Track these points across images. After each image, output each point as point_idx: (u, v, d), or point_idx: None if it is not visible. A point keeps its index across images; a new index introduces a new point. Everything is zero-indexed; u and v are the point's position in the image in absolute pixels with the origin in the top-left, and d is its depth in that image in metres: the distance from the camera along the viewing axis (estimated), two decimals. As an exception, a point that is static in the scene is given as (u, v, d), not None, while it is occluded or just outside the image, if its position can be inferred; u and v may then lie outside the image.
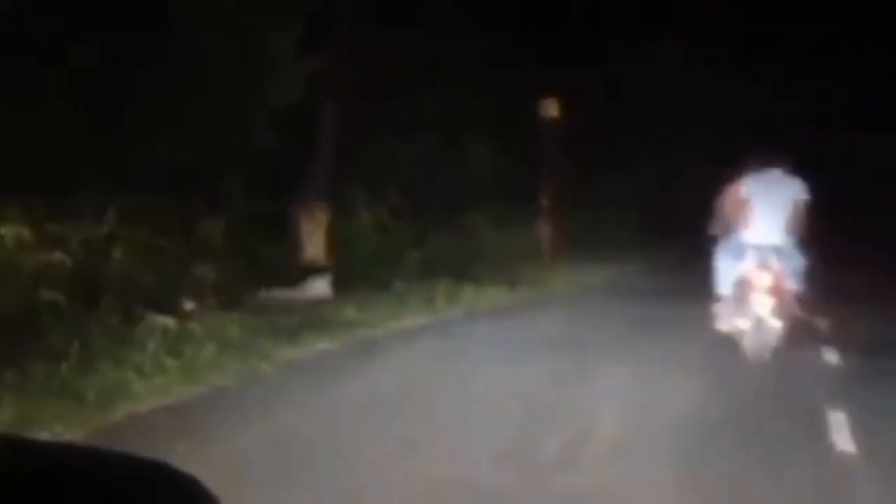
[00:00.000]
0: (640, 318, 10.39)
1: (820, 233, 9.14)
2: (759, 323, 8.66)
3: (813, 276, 9.52)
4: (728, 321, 8.94)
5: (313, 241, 11.34)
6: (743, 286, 8.83)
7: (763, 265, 8.72)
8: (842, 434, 5.97)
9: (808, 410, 6.66)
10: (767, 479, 5.04)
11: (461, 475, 4.82)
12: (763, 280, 8.69)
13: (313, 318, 8.75)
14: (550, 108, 15.81)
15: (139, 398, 5.98)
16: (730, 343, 8.98)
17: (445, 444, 5.37)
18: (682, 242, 12.30)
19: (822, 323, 10.25)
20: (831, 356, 8.74)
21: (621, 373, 7.53)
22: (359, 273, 10.63)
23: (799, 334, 9.41)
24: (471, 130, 14.38)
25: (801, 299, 9.16)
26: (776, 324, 8.66)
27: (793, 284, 8.87)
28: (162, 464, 0.97)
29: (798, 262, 8.90)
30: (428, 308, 10.29)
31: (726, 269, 9.05)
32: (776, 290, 8.70)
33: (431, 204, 13.18)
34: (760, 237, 8.83)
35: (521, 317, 10.40)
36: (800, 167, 9.24)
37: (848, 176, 21.30)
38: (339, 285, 10.35)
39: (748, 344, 8.68)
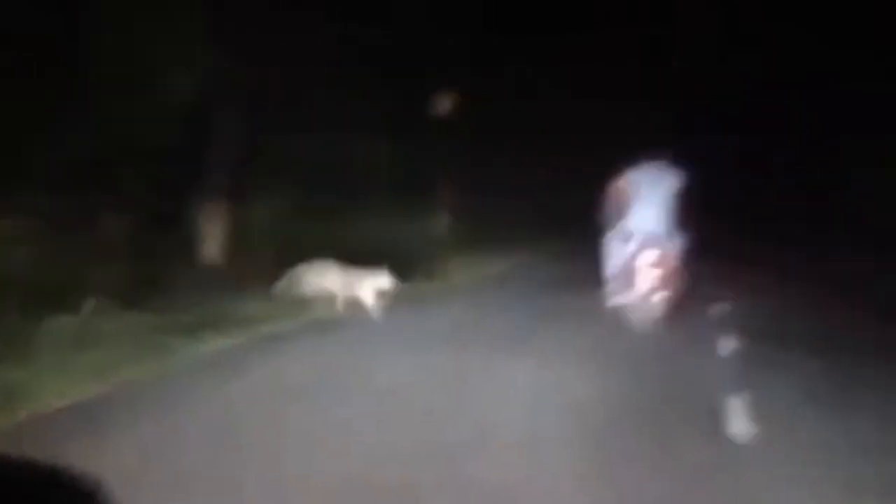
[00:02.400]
0: (539, 307, 10.81)
1: (698, 220, 9.98)
2: (645, 299, 9.78)
3: (699, 263, 10.26)
4: (618, 299, 10.05)
5: (213, 240, 11.39)
6: (629, 267, 9.90)
7: (647, 248, 9.79)
8: (740, 423, 6.07)
9: (706, 397, 6.75)
10: (665, 468, 5.10)
11: (363, 470, 4.84)
12: (647, 261, 9.79)
13: (217, 315, 8.75)
14: (448, 103, 16.03)
15: (41, 399, 5.91)
16: (626, 330, 9.63)
17: (347, 439, 5.36)
18: (578, 232, 12.67)
19: (718, 309, 10.82)
20: (728, 343, 8.87)
21: (521, 363, 7.65)
22: (261, 270, 10.64)
23: (693, 320, 10.05)
24: (372, 126, 14.49)
25: (687, 280, 10.03)
26: (662, 299, 9.76)
27: (676, 266, 9.89)
28: (60, 468, 1.00)
29: (679, 245, 9.93)
30: (331, 303, 10.21)
31: (613, 253, 10.17)
32: (660, 270, 9.77)
33: (332, 199, 13.25)
34: (644, 223, 9.88)
35: (421, 309, 10.48)
36: (678, 160, 10.24)
37: (723, 170, 22.38)
38: (241, 283, 10.31)
39: (637, 319, 9.73)
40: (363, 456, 5.08)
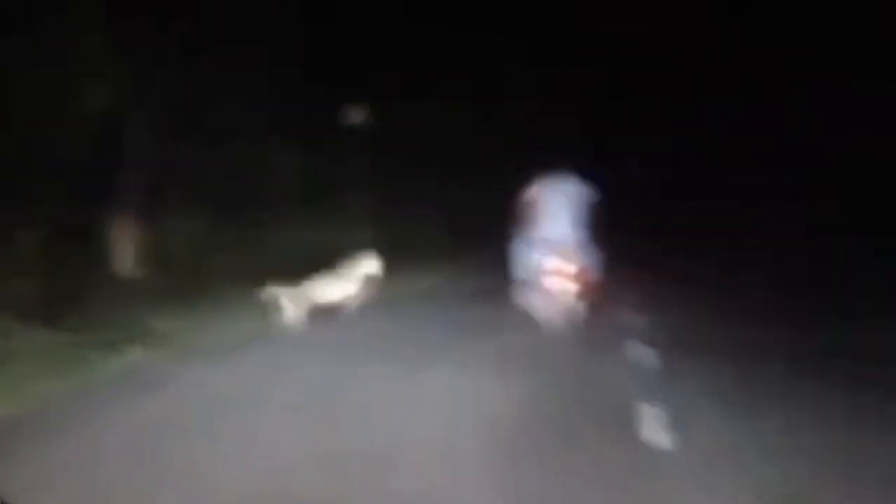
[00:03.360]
0: (454, 317, 10.92)
1: (608, 230, 10.64)
2: (555, 305, 10.31)
3: (610, 272, 10.64)
4: (529, 305, 10.51)
5: (127, 253, 11.23)
6: (539, 275, 10.39)
7: (555, 256, 10.28)
8: (655, 430, 6.15)
9: (623, 406, 6.80)
10: (580, 474, 5.17)
11: (280, 481, 4.86)
12: (557, 268, 10.28)
13: (134, 329, 8.65)
14: (358, 114, 16.05)
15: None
16: (541, 338, 9.86)
17: (264, 451, 5.36)
18: (492, 244, 12.84)
19: (630, 318, 11.12)
20: (645, 353, 9.01)
21: (441, 375, 7.70)
22: (175, 283, 10.53)
23: (606, 328, 10.34)
24: (286, 136, 14.46)
25: (597, 288, 10.55)
26: (571, 305, 10.29)
27: (585, 273, 10.39)
28: None
29: (587, 253, 10.44)
30: (246, 315, 10.18)
31: (523, 261, 10.63)
32: (569, 277, 10.28)
33: (246, 210, 13.17)
34: (554, 232, 10.39)
35: (342, 323, 10.42)
36: (585, 171, 10.82)
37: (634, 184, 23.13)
38: (156, 296, 10.22)
39: (548, 324, 10.20)
40: (280, 467, 5.10)
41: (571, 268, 10.36)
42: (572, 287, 10.35)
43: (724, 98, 23.84)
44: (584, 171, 10.89)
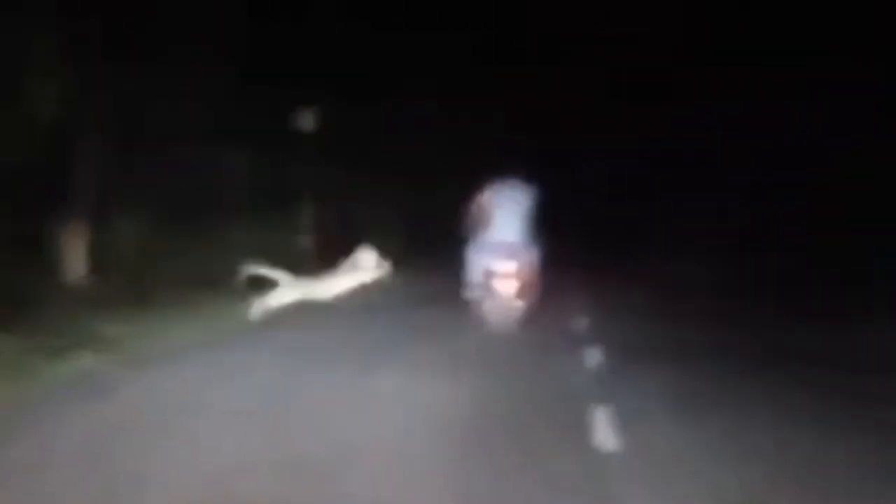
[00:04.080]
0: (406, 322, 11.05)
1: (554, 233, 11.24)
2: (504, 307, 10.76)
3: (559, 274, 10.92)
4: (480, 307, 10.90)
5: (76, 259, 11.18)
6: (489, 276, 10.86)
7: (503, 259, 10.80)
8: (604, 433, 6.21)
9: (572, 409, 6.86)
10: (533, 479, 5.19)
11: (233, 487, 4.85)
12: (504, 271, 10.79)
13: (82, 336, 8.60)
14: (308, 119, 16.05)
15: None
16: (492, 341, 10.06)
17: (215, 457, 5.34)
18: (444, 249, 12.96)
19: (580, 321, 11.34)
20: (594, 356, 9.14)
21: (392, 378, 7.71)
22: (124, 289, 10.51)
23: (556, 332, 10.56)
24: (236, 140, 14.44)
25: (543, 290, 11.05)
26: (518, 304, 10.77)
27: (532, 276, 10.92)
28: None
29: (534, 257, 10.97)
30: (193, 321, 10.23)
31: (474, 263, 11.09)
32: (516, 280, 10.78)
33: (192, 216, 13.13)
34: (502, 236, 10.94)
35: (294, 328, 10.42)
36: (531, 178, 11.33)
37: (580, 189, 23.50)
38: (105, 302, 10.18)
39: (498, 326, 10.67)
40: (232, 473, 5.09)
41: (519, 271, 10.78)
42: (520, 289, 10.76)
43: (677, 101, 24.20)
44: (533, 176, 11.29)
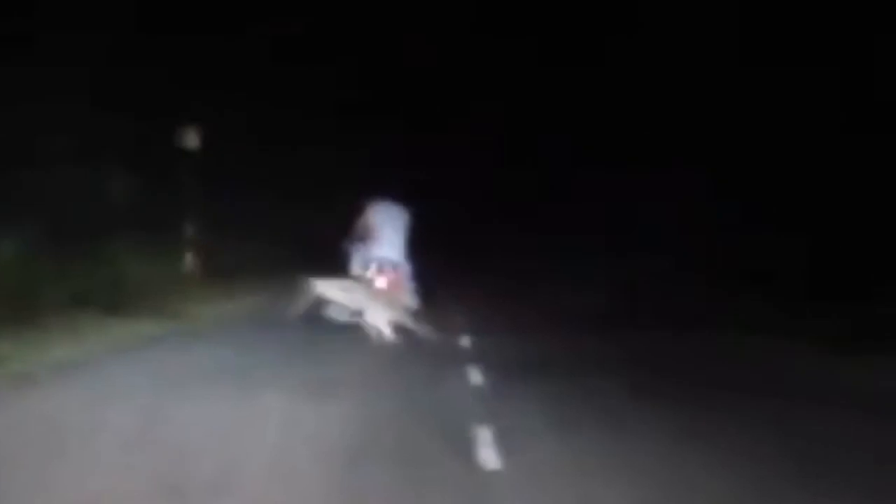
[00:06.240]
0: (290, 341, 10.99)
1: (433, 249, 11.38)
2: (384, 319, 11.24)
3: (440, 292, 11.22)
4: (361, 320, 11.40)
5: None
6: (368, 288, 11.45)
7: (384, 272, 11.45)
8: (487, 451, 6.25)
9: (455, 428, 6.90)
10: (414, 498, 5.21)
11: None
12: (383, 284, 11.42)
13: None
14: (191, 137, 15.87)
15: None
16: (376, 361, 10.13)
17: (94, 479, 5.25)
18: (325, 265, 13.01)
19: (462, 339, 11.57)
20: (475, 374, 9.28)
21: (275, 399, 7.65)
22: (6, 309, 10.22)
23: (439, 350, 10.77)
24: (114, 159, 14.21)
25: (424, 305, 11.65)
26: (395, 317, 11.30)
27: (408, 289, 11.58)
28: None
29: (413, 272, 11.70)
30: (76, 341, 10.04)
31: (356, 278, 11.67)
32: (393, 292, 11.41)
33: (74, 235, 12.84)
34: (382, 252, 11.57)
35: (174, 349, 10.31)
36: (411, 200, 12.00)
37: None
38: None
39: (380, 340, 11.08)
40: (113, 494, 5.04)
41: (396, 285, 11.42)
42: (399, 303, 11.35)
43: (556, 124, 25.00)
44: (415, 195, 11.89)
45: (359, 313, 11.38)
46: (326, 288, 11.34)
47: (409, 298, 11.52)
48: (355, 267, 11.70)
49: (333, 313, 11.61)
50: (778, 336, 12.82)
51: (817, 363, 11.33)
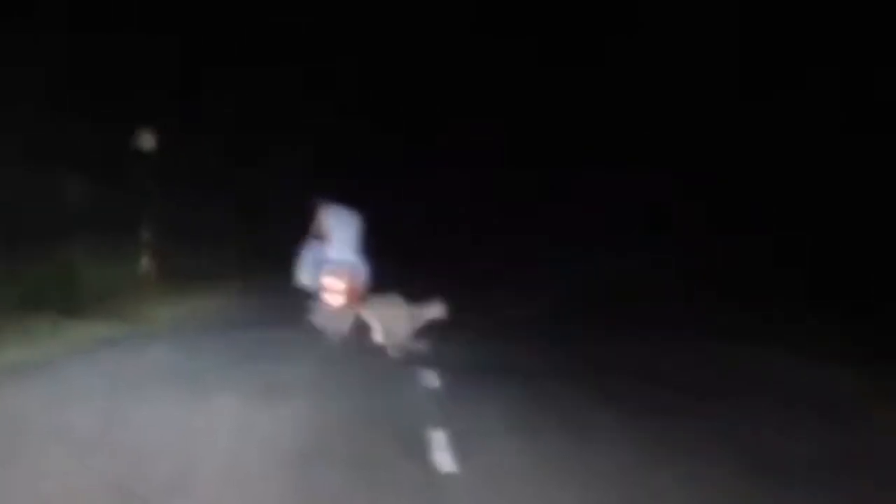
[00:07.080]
0: (246, 344, 11.00)
1: (388, 253, 12.21)
2: (340, 325, 11.39)
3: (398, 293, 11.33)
4: (317, 322, 11.54)
5: None
6: (322, 289, 11.53)
7: (336, 277, 11.47)
8: (442, 454, 6.32)
9: (410, 431, 6.97)
10: (368, 501, 5.30)
11: None
12: (336, 285, 11.46)
13: None
14: (147, 139, 15.77)
15: None
16: (333, 364, 10.15)
17: (49, 482, 5.25)
18: (280, 267, 13.01)
19: (420, 344, 11.53)
20: (431, 378, 9.34)
21: (230, 401, 7.65)
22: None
23: (399, 351, 10.84)
24: (68, 160, 14.08)
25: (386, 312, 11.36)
26: (349, 318, 11.42)
27: (361, 290, 11.64)
28: None
29: (365, 273, 11.76)
30: (30, 344, 9.96)
31: (312, 281, 11.71)
32: (347, 293, 11.46)
33: (27, 238, 12.71)
34: (337, 254, 11.63)
35: (130, 351, 10.26)
36: (364, 203, 12.15)
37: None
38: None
39: (334, 342, 11.21)
40: (69, 495, 5.05)
41: (349, 286, 11.44)
42: (351, 306, 11.42)
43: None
44: (367, 199, 12.17)
45: (317, 310, 11.51)
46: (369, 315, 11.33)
47: (359, 302, 11.49)
48: (304, 273, 11.71)
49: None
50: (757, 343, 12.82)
51: (793, 370, 11.32)
